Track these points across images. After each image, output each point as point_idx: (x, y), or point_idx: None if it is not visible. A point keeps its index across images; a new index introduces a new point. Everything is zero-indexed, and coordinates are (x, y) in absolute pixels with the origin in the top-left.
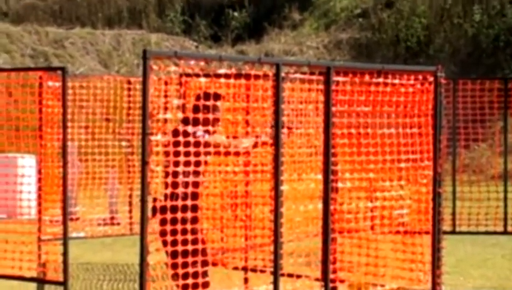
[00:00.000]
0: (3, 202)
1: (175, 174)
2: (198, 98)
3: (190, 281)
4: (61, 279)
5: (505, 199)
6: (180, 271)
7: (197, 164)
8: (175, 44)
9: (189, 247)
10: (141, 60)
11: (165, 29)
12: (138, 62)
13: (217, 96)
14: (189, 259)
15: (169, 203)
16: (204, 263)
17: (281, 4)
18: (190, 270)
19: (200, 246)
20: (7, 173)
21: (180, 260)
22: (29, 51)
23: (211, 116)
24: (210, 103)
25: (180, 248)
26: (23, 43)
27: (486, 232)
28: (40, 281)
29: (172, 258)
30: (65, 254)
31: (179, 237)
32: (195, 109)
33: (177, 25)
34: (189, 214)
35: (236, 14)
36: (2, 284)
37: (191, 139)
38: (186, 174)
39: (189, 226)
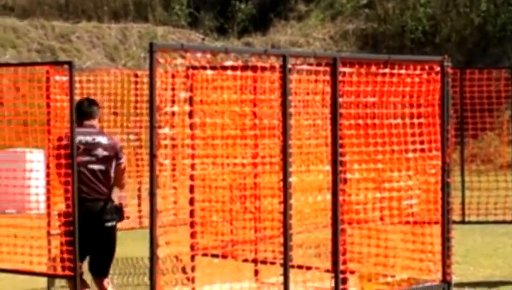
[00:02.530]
0: (12, 197)
1: None
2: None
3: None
4: (71, 273)
5: None
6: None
7: None
8: (181, 37)
9: None
10: (148, 53)
11: (171, 22)
12: (145, 55)
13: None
14: None
15: None
16: None
17: None
18: None
19: None
20: (15, 168)
21: None
22: (35, 45)
23: None
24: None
25: None
26: (29, 37)
27: (496, 222)
28: (51, 275)
29: None
30: (74, 248)
31: None
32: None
33: (183, 18)
34: None
35: (242, 6)
36: (13, 279)
37: None
38: None
39: None
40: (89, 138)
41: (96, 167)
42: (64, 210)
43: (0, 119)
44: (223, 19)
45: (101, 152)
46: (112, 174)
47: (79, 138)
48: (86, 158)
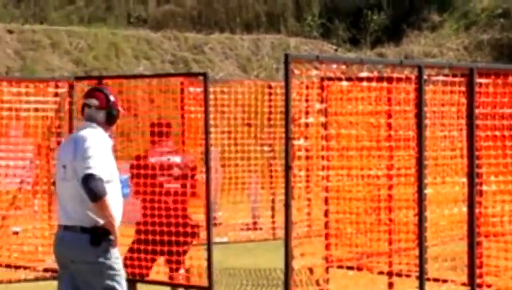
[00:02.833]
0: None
1: None
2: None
3: None
4: (205, 284)
5: None
6: None
7: None
8: (314, 48)
9: None
10: (280, 64)
11: (303, 33)
12: (277, 66)
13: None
14: None
15: None
16: None
17: (420, 6)
18: None
19: None
20: None
21: None
22: (169, 57)
23: None
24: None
25: None
26: (163, 49)
27: None
28: (185, 286)
29: None
30: (209, 259)
31: None
32: None
33: (315, 29)
34: None
35: (375, 16)
36: (145, 288)
37: None
38: None
39: None
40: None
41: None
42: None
43: (135, 130)
44: (356, 29)
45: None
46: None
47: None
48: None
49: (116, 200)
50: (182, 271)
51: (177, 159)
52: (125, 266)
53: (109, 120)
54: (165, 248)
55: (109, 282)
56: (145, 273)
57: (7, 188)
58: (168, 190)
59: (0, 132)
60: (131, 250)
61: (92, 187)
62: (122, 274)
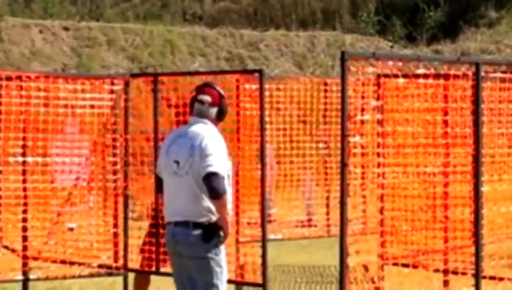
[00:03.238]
0: None
1: None
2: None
3: None
4: (259, 281)
5: None
6: None
7: None
8: (369, 44)
9: None
10: (336, 61)
11: (358, 30)
12: (333, 63)
13: None
14: None
15: None
16: None
17: (477, 2)
18: None
19: None
20: None
21: None
22: (224, 53)
23: None
24: None
25: None
26: (218, 46)
27: None
28: (239, 283)
29: None
30: (264, 255)
31: None
32: None
33: (370, 26)
34: None
35: (431, 13)
36: None
37: None
38: None
39: None
40: None
41: None
42: None
43: None
44: (412, 26)
45: None
46: None
47: None
48: None
49: (230, 197)
50: None
51: None
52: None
53: (220, 116)
54: None
55: (214, 279)
56: (160, 264)
57: (63, 184)
58: None
59: (56, 129)
60: (144, 243)
61: (214, 185)
62: (226, 273)
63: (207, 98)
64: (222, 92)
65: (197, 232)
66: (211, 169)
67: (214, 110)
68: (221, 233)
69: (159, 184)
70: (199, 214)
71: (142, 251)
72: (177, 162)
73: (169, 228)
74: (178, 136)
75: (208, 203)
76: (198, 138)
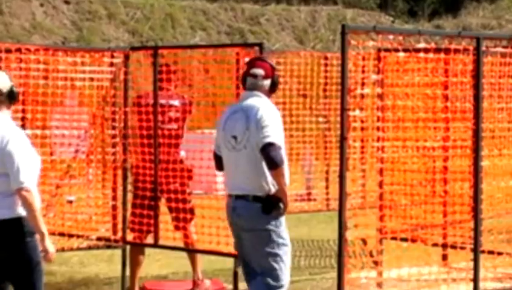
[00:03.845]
0: (200, 178)
1: None
2: None
3: None
4: None
5: None
6: None
7: None
8: (370, 19)
9: None
10: (337, 35)
11: (360, 5)
12: (334, 38)
13: None
14: None
15: None
16: None
17: None
18: None
19: None
20: (203, 149)
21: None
22: (225, 28)
23: None
24: None
25: None
26: (219, 20)
27: None
28: (237, 256)
29: None
30: None
31: None
32: None
33: (372, 0)
34: None
35: None
36: (201, 259)
37: None
38: None
39: None
40: None
41: None
42: None
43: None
44: (413, 1)
45: None
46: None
47: None
48: None
49: (287, 168)
50: (192, 227)
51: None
52: (132, 230)
53: (273, 88)
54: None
55: (276, 250)
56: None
57: (62, 157)
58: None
59: (55, 102)
60: (133, 214)
61: (272, 156)
62: (289, 244)
63: (260, 72)
64: (273, 64)
65: (257, 205)
66: (268, 140)
67: (267, 83)
68: (281, 205)
69: (218, 162)
70: (258, 187)
71: (132, 223)
72: (234, 137)
73: (229, 201)
74: (233, 111)
75: (266, 175)
76: (253, 111)
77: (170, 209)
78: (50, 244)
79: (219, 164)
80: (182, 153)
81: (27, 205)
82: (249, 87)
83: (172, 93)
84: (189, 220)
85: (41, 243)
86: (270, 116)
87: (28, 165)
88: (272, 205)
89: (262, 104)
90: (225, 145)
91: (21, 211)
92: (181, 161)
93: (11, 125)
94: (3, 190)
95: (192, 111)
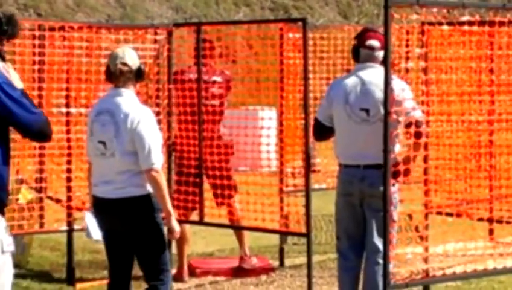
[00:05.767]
0: (245, 155)
1: None
2: None
3: None
4: (303, 231)
5: None
6: None
7: None
8: None
9: None
10: (381, 9)
11: None
12: (378, 12)
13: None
14: None
15: None
16: None
17: None
18: None
19: None
20: (247, 126)
21: None
22: (269, 3)
23: None
24: None
25: None
26: None
27: None
28: (283, 232)
29: None
30: (307, 205)
31: None
32: None
33: None
34: None
35: None
36: (248, 236)
37: None
38: None
39: None
40: None
41: None
42: None
43: (234, 76)
44: None
45: None
46: None
47: None
48: None
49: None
50: (236, 204)
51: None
52: (177, 207)
53: (384, 60)
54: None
55: (394, 211)
56: (189, 211)
57: None
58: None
59: (99, 79)
60: (177, 191)
61: (422, 132)
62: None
63: (376, 43)
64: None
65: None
66: (415, 113)
67: (381, 54)
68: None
69: (324, 132)
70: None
71: (177, 200)
72: (366, 110)
73: (351, 171)
74: (354, 84)
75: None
76: (378, 85)
77: (213, 186)
78: (176, 224)
79: (324, 134)
80: (222, 129)
81: (156, 185)
82: (363, 59)
83: (215, 69)
84: (231, 196)
85: (168, 222)
86: (407, 87)
87: (157, 146)
88: (397, 171)
89: (395, 77)
90: (349, 117)
91: (149, 188)
92: (220, 137)
93: (139, 104)
94: (132, 168)
95: (232, 87)
